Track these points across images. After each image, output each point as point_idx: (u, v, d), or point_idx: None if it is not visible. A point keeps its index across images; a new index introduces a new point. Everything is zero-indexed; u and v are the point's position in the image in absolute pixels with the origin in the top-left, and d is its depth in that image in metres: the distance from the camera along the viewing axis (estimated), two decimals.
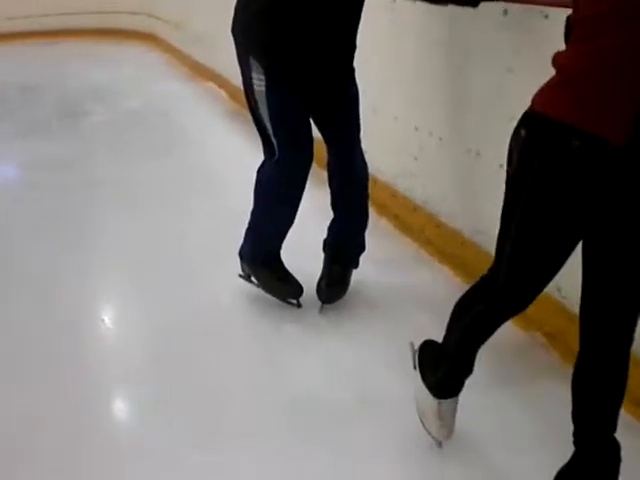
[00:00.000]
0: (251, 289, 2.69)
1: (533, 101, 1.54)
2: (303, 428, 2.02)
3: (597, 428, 1.65)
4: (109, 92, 6.50)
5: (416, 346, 1.96)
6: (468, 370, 1.82)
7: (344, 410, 2.09)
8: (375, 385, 2.19)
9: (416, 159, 3.08)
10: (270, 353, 2.40)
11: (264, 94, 2.41)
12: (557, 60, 1.50)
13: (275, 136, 2.45)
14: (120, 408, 2.25)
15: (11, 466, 1.90)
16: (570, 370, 1.68)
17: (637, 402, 1.95)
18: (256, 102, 2.45)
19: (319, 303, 2.60)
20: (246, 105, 2.57)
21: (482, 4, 2.22)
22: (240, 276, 2.73)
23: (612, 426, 1.64)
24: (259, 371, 2.29)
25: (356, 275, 2.69)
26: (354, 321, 2.53)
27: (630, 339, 1.59)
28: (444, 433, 1.86)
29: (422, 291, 2.72)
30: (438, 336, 1.88)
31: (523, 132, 1.54)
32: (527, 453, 1.88)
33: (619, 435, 1.64)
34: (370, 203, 2.70)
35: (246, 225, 2.66)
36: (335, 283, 2.65)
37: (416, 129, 3.03)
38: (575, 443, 1.67)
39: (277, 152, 2.46)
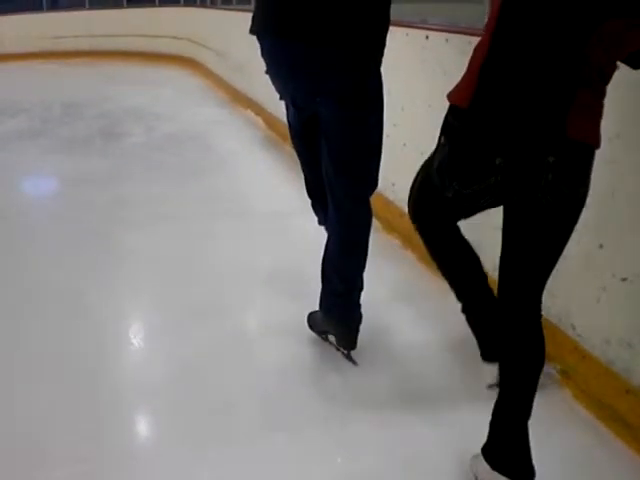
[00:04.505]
0: (278, 316, 2.67)
1: None
2: (320, 450, 2.00)
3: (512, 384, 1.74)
4: (147, 114, 6.67)
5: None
6: None
7: (364, 442, 2.04)
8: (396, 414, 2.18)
9: None
10: (290, 384, 2.31)
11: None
12: None
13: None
14: (138, 422, 2.29)
15: (30, 465, 1.95)
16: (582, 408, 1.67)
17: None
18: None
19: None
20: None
21: None
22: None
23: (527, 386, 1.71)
24: (278, 398, 2.27)
25: (374, 299, 2.70)
26: (361, 355, 2.44)
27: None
28: None
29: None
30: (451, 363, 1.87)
31: None
32: None
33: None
34: (396, 236, 2.66)
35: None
36: None
37: None
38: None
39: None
